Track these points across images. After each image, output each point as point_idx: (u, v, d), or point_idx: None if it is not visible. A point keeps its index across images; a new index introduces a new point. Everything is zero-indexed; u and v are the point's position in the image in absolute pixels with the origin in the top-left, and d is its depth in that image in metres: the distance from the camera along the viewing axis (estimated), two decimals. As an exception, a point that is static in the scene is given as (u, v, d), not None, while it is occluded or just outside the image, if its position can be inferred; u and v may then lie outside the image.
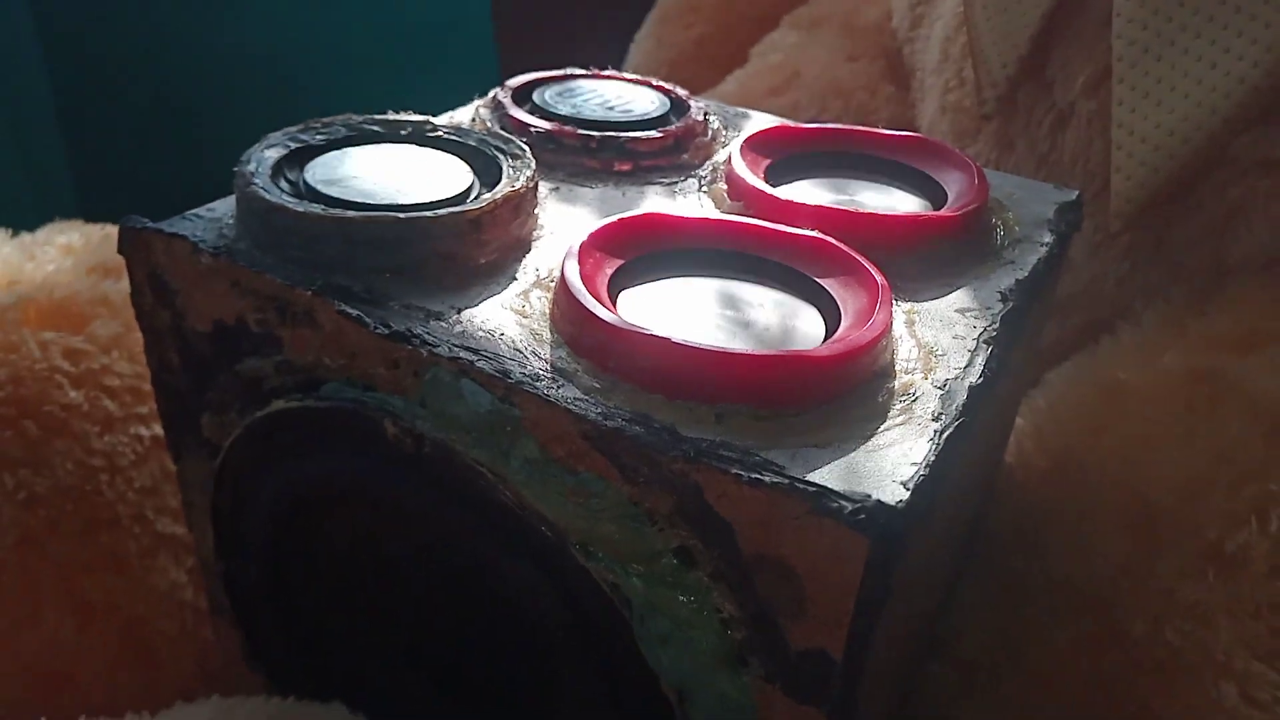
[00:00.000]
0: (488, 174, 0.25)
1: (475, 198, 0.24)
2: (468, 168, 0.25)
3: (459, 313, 0.21)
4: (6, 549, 0.30)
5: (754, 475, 0.17)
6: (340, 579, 0.26)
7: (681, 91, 0.33)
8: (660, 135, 0.29)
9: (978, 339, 0.22)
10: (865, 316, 0.21)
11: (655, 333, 0.19)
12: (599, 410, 0.19)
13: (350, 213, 0.22)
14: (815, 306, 0.22)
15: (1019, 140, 0.41)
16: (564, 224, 0.26)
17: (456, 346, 0.20)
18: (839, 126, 0.30)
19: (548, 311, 0.22)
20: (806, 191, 0.27)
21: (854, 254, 0.22)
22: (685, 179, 0.29)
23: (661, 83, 0.33)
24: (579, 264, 0.21)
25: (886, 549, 0.17)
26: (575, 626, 0.21)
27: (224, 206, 0.25)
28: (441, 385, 0.20)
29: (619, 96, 0.32)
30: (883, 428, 0.19)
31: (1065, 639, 0.28)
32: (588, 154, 0.29)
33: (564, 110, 0.30)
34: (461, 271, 0.23)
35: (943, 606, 0.31)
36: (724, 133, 0.32)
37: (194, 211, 0.25)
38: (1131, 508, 0.29)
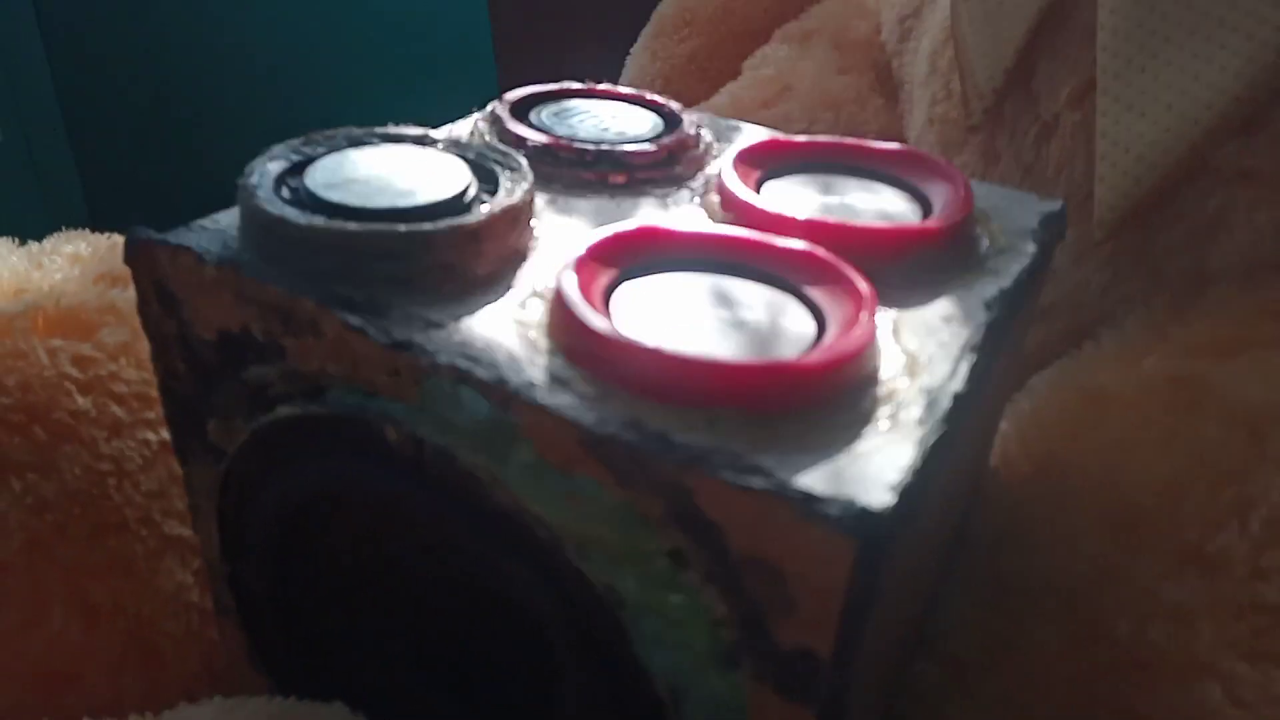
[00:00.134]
0: (486, 183, 0.26)
1: (475, 201, 0.24)
2: (466, 165, 0.26)
3: (458, 321, 0.22)
4: (14, 552, 0.30)
5: (743, 480, 0.18)
6: (342, 580, 0.27)
7: (675, 105, 0.33)
8: (654, 149, 0.30)
9: (962, 347, 0.23)
10: (851, 325, 0.21)
11: (648, 344, 0.20)
12: (593, 417, 0.19)
13: (351, 225, 0.23)
14: (805, 306, 0.23)
15: (1005, 151, 0.41)
16: (560, 235, 0.26)
17: (455, 355, 0.21)
18: (829, 139, 0.31)
19: (544, 321, 0.22)
20: (797, 202, 0.28)
21: (841, 264, 0.23)
22: (678, 191, 0.29)
23: (655, 96, 0.34)
24: (575, 275, 0.22)
25: (873, 552, 0.17)
26: (572, 627, 0.21)
27: (228, 218, 0.25)
28: (441, 392, 0.21)
29: (614, 118, 0.32)
30: (869, 434, 0.19)
31: (1051, 638, 0.28)
32: (583, 166, 0.29)
33: (561, 132, 0.30)
34: (461, 281, 0.23)
35: (930, 607, 0.31)
36: (716, 145, 0.32)
37: (199, 222, 0.25)
38: (1113, 509, 0.29)
